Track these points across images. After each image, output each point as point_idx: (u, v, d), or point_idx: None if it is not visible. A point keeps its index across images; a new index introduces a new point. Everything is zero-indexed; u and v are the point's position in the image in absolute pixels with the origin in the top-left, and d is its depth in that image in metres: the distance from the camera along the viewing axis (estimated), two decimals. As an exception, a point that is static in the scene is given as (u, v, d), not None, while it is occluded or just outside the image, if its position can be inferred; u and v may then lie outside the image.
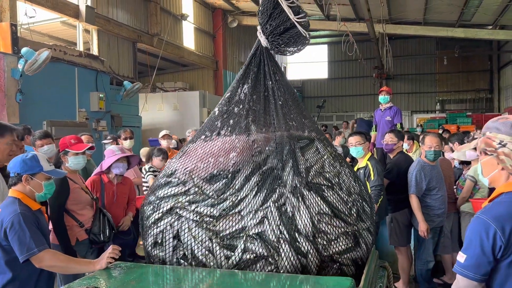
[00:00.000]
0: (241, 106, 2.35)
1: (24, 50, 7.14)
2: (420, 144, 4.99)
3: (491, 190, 4.71)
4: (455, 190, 5.26)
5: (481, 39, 17.53)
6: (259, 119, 2.32)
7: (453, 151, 6.07)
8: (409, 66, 23.62)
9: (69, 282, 3.61)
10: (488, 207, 1.86)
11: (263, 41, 2.44)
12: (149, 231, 2.15)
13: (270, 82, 2.43)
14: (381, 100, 7.97)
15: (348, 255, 2.19)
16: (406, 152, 6.16)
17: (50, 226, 3.76)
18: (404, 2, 13.84)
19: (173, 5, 13.89)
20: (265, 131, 2.28)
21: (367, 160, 4.65)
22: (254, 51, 2.50)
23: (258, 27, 2.48)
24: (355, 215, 2.30)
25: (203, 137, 2.36)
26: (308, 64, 23.67)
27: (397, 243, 4.86)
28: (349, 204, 2.31)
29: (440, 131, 13.88)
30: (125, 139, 6.38)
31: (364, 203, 2.45)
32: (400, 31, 16.45)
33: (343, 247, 2.16)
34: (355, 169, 4.71)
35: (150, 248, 2.16)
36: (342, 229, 2.20)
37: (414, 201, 4.53)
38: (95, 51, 10.24)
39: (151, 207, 2.15)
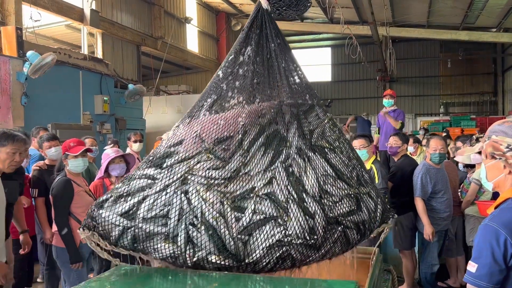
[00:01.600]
0: (245, 68, 2.31)
1: (29, 53, 7.19)
2: (424, 147, 4.99)
3: (496, 193, 4.70)
4: (459, 193, 5.25)
5: (485, 42, 17.48)
6: (264, 82, 2.31)
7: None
8: (412, 69, 23.58)
9: (73, 284, 3.68)
10: (496, 213, 1.81)
11: (264, 3, 2.39)
12: (153, 201, 1.99)
13: (273, 45, 2.40)
14: (386, 104, 7.96)
15: (351, 217, 2.20)
16: (410, 155, 6.15)
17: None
18: (408, 5, 13.82)
19: (177, 9, 13.94)
20: (269, 93, 2.29)
21: (372, 163, 4.63)
22: (254, 14, 2.43)
23: None
24: (355, 178, 2.32)
25: (209, 100, 2.30)
26: (311, 67, 23.68)
27: (402, 247, 4.85)
28: (350, 168, 2.33)
29: (444, 134, 13.86)
30: (135, 141, 6.41)
31: (362, 169, 2.46)
32: (404, 34, 16.44)
33: (346, 209, 2.18)
34: None
35: (151, 223, 1.98)
36: (345, 191, 2.22)
37: (419, 204, 4.52)
38: (99, 54, 10.29)
39: (162, 174, 2.02)
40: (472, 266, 1.78)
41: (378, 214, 2.37)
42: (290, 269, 2.09)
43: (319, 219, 2.06)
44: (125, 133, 9.95)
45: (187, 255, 1.93)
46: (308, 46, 22.48)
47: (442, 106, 23.50)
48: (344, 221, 2.16)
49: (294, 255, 2.00)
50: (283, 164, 2.10)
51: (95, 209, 2.02)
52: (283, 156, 2.12)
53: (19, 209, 3.94)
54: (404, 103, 23.42)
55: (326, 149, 2.28)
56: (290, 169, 2.11)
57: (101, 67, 9.71)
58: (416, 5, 13.48)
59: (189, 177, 2.00)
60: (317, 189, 2.11)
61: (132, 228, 1.96)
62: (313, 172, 2.15)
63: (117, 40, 11.14)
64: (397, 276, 3.13)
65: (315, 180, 2.13)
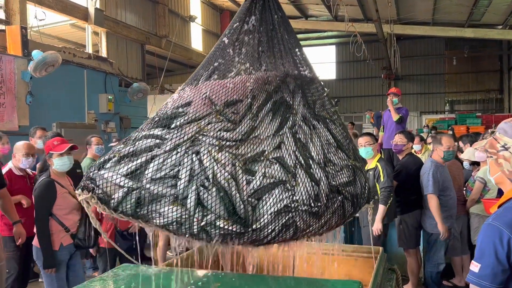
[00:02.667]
0: (250, 36, 2.31)
1: (34, 52, 7.21)
2: (432, 145, 4.96)
3: (501, 191, 4.66)
4: (464, 191, 5.22)
5: (491, 39, 17.37)
6: (268, 51, 2.32)
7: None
8: (417, 66, 23.46)
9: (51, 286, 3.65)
10: (500, 212, 1.79)
11: None
12: (162, 164, 1.88)
13: (276, 16, 2.42)
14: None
15: (349, 188, 2.23)
16: (415, 154, 6.12)
17: None
18: (413, 3, 13.76)
19: (181, 7, 13.95)
20: (274, 62, 2.31)
21: (377, 161, 4.63)
22: None
23: None
24: (352, 151, 2.39)
25: (216, 64, 2.26)
26: (316, 64, 23.62)
27: (406, 245, 4.83)
28: (348, 140, 2.40)
29: (449, 132, 13.80)
30: None
31: (354, 145, 2.54)
32: (408, 31, 16.36)
33: (346, 179, 2.22)
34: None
35: (157, 185, 1.85)
36: (345, 162, 2.27)
37: (433, 201, 4.46)
38: (104, 53, 10.32)
39: (172, 134, 1.95)
40: (475, 266, 1.75)
41: (366, 191, 2.40)
42: (290, 240, 2.07)
43: (323, 186, 2.08)
44: (130, 132, 9.99)
45: (195, 219, 1.83)
46: (312, 44, 22.44)
47: (447, 104, 23.38)
48: (343, 191, 2.19)
49: (298, 223, 1.99)
50: (291, 130, 2.12)
51: (95, 170, 1.87)
52: (290, 122, 2.14)
53: (5, 202, 3.95)
54: (409, 101, 23.30)
55: (327, 120, 2.33)
56: (297, 136, 2.12)
57: (105, 66, 9.73)
58: (421, 2, 13.42)
59: (200, 137, 1.94)
60: (322, 157, 2.14)
61: (138, 190, 1.83)
62: (318, 140, 2.18)
63: (122, 39, 11.17)
64: (402, 275, 3.12)
65: (320, 148, 2.16)
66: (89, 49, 9.95)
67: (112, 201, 1.82)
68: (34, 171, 4.50)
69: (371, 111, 13.73)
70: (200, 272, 2.31)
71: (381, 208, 4.43)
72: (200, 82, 2.17)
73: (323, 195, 2.07)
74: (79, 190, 1.83)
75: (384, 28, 13.43)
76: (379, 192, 4.46)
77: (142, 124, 2.05)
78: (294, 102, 2.22)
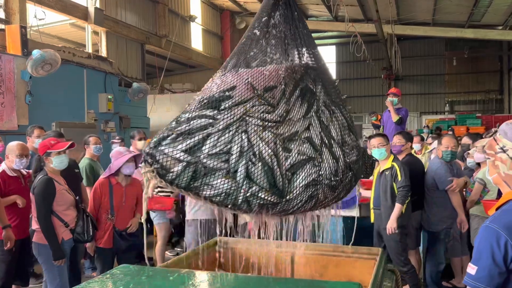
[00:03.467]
0: (277, 29, 2.55)
1: (34, 52, 7.20)
2: (429, 145, 4.98)
3: (501, 192, 4.67)
4: (464, 192, 5.22)
5: (491, 40, 17.36)
6: (292, 44, 2.56)
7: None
8: (418, 67, 23.47)
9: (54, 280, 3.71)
10: (497, 215, 1.78)
11: None
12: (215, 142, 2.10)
13: (296, 13, 2.64)
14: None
15: (356, 166, 2.55)
16: (415, 154, 6.11)
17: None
18: (413, 3, 13.75)
19: (181, 7, 13.94)
20: (297, 54, 2.56)
21: (392, 161, 4.62)
22: None
23: None
24: (357, 133, 2.71)
25: (252, 53, 2.47)
26: (316, 65, 23.62)
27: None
28: (353, 124, 2.71)
29: (450, 133, 13.80)
30: (140, 139, 6.39)
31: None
32: (409, 31, 16.35)
33: (355, 157, 2.53)
34: (378, 171, 4.69)
35: (213, 159, 2.07)
36: (354, 142, 2.58)
37: (454, 195, 4.59)
38: (103, 52, 10.31)
39: (223, 114, 2.16)
40: (471, 268, 1.74)
41: (366, 168, 2.73)
42: (308, 211, 2.35)
43: (341, 163, 2.38)
44: (129, 132, 9.97)
45: (242, 190, 2.05)
46: (312, 44, 22.40)
47: (447, 105, 23.39)
48: (353, 168, 2.49)
49: (319, 195, 2.28)
50: (317, 114, 2.40)
51: (153, 147, 2.02)
52: (315, 107, 2.42)
53: None
54: (409, 101, 23.30)
55: (341, 106, 2.62)
56: (321, 119, 2.41)
57: (105, 65, 9.72)
58: (422, 2, 13.41)
59: (247, 118, 2.18)
60: (340, 138, 2.45)
61: (195, 164, 2.01)
62: (337, 122, 2.47)
63: (121, 38, 11.15)
64: (401, 276, 3.11)
65: (339, 129, 2.46)
66: (89, 49, 9.94)
67: (170, 174, 1.98)
68: (28, 170, 4.48)
69: (376, 113, 13.56)
70: (199, 273, 2.30)
71: (398, 207, 4.40)
72: (240, 69, 2.40)
73: (340, 171, 2.37)
74: (143, 163, 1.99)
75: (384, 29, 13.43)
76: (396, 192, 4.46)
77: (189, 105, 2.23)
78: (316, 89, 2.49)
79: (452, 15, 14.37)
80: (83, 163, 5.52)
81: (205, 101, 2.20)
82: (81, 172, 5.34)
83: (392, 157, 4.68)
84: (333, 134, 2.43)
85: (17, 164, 4.22)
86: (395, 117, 7.32)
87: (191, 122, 2.11)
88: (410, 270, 4.46)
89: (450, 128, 16.58)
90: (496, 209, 1.82)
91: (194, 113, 2.16)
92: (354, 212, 5.11)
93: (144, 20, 12.08)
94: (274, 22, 2.55)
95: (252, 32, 2.57)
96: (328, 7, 12.34)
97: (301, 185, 2.19)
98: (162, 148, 2.01)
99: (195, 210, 4.71)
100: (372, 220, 4.79)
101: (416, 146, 7.21)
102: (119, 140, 7.32)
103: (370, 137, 5.11)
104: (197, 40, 14.93)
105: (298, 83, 2.43)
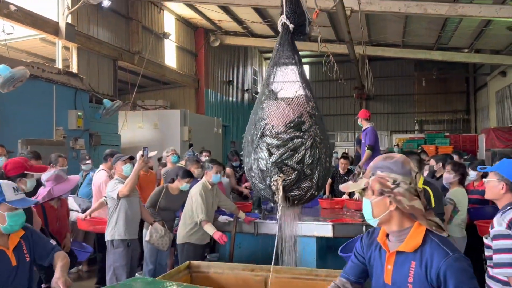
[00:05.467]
0: (294, 67, 3.19)
1: (1, 67, 6.98)
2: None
3: (472, 213, 4.70)
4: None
5: (458, 62, 17.97)
6: (301, 79, 3.20)
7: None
8: (388, 86, 24.04)
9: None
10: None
11: (290, 26, 3.29)
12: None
13: (297, 56, 3.25)
14: (360, 125, 8.03)
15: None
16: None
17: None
18: (384, 26, 14.11)
19: (155, 24, 13.88)
20: (304, 87, 3.17)
21: (423, 184, 4.37)
22: (284, 34, 3.29)
23: (284, 18, 3.29)
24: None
25: (291, 95, 3.11)
26: (289, 83, 23.81)
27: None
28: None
29: (419, 151, 14.06)
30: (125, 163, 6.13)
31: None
32: (380, 53, 16.75)
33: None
34: None
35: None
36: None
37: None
38: (74, 68, 10.11)
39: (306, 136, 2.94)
40: None
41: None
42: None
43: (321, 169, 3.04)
44: (100, 149, 9.75)
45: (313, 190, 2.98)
46: (286, 63, 22.62)
47: (417, 124, 23.96)
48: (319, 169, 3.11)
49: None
50: (315, 138, 3.01)
51: (279, 161, 2.86)
52: (318, 131, 3.06)
53: None
54: (380, 120, 23.77)
55: (324, 129, 3.27)
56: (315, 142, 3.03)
57: (76, 81, 9.53)
58: (392, 25, 13.76)
59: (316, 138, 2.98)
60: (323, 155, 3.06)
61: (299, 172, 2.89)
62: (321, 146, 3.04)
63: (93, 54, 10.98)
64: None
65: (322, 150, 3.04)
66: (59, 64, 9.72)
67: (287, 181, 2.86)
68: None
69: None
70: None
71: None
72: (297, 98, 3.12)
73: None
74: (275, 175, 2.86)
75: (356, 49, 13.68)
76: None
77: (273, 128, 2.96)
78: (316, 117, 3.10)
79: (421, 38, 14.81)
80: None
81: (292, 124, 2.94)
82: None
83: (422, 179, 4.43)
84: (322, 151, 3.05)
85: None
86: (367, 154, 7.31)
87: (294, 141, 2.91)
88: None
89: (419, 147, 16.91)
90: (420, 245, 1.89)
91: (290, 134, 2.92)
92: (328, 232, 5.10)
93: (117, 37, 11.94)
94: (293, 61, 3.19)
95: (275, 68, 3.22)
96: (302, 28, 12.47)
97: (320, 176, 3.01)
98: (285, 161, 2.86)
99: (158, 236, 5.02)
100: None
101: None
102: (90, 160, 7.15)
103: None
104: (170, 57, 14.86)
105: (308, 112, 3.08)
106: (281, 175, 2.83)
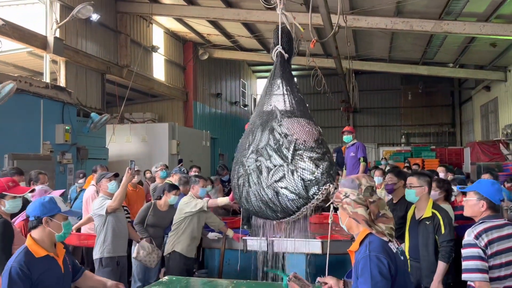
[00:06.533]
0: (292, 94, 3.69)
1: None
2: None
3: (458, 229, 4.72)
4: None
5: (443, 77, 18.26)
6: (300, 104, 3.69)
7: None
8: (375, 100, 24.28)
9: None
10: (369, 246, 2.30)
11: (284, 55, 3.75)
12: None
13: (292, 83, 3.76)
14: (346, 140, 8.17)
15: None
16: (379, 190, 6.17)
17: None
18: (371, 41, 14.30)
19: (144, 37, 13.90)
20: (301, 109, 3.65)
21: (432, 208, 4.02)
22: (281, 60, 3.74)
23: (279, 47, 3.72)
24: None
25: (302, 121, 3.47)
26: (277, 96, 23.90)
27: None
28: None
29: (406, 165, 14.20)
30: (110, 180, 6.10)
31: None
32: (366, 67, 16.96)
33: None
34: (412, 216, 4.17)
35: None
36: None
37: None
38: (62, 82, 10.05)
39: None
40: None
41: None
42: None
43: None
44: (87, 163, 9.67)
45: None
46: (274, 76, 22.73)
47: (403, 137, 24.18)
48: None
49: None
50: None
51: (331, 172, 3.16)
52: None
53: None
54: (367, 133, 23.97)
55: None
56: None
57: (63, 95, 9.48)
58: (379, 40, 13.96)
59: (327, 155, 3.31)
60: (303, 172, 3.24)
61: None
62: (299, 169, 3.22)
63: (81, 68, 10.94)
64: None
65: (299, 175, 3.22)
66: (47, 78, 9.66)
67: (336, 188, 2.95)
68: None
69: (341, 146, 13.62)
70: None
71: (442, 266, 3.79)
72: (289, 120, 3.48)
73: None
74: (328, 184, 3.06)
75: (343, 64, 13.85)
76: (439, 246, 3.89)
77: (294, 146, 3.24)
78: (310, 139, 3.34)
79: (407, 52, 15.04)
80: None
81: (320, 140, 3.30)
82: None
83: (431, 202, 4.10)
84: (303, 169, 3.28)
85: None
86: (362, 166, 7.45)
87: (328, 155, 3.23)
88: None
89: (406, 160, 17.07)
90: (360, 245, 2.31)
91: (322, 149, 3.23)
92: (316, 249, 5.10)
93: (105, 50, 11.92)
94: (292, 89, 3.65)
95: (298, 95, 3.74)
96: (290, 42, 12.57)
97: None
98: (331, 172, 3.12)
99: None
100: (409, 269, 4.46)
101: (377, 179, 7.25)
102: (83, 178, 7.12)
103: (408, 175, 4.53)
104: (159, 70, 14.86)
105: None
106: (333, 182, 3.07)
